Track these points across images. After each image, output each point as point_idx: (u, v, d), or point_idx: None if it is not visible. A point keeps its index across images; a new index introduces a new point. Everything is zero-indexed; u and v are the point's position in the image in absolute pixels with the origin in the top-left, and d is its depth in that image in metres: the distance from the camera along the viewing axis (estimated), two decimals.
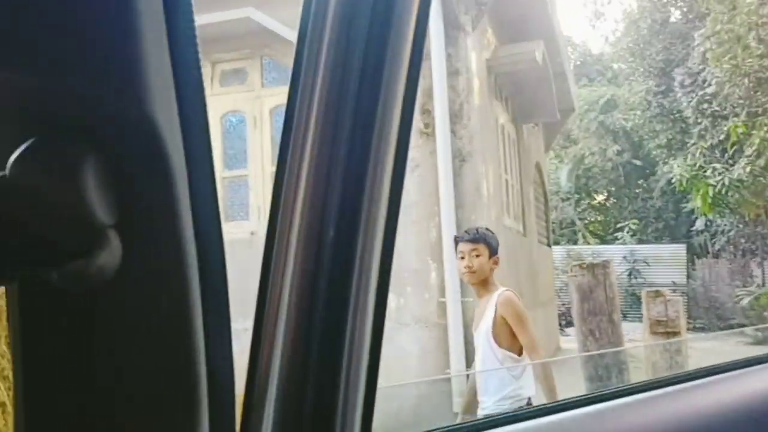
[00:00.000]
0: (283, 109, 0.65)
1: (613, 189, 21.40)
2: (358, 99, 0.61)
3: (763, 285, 14.99)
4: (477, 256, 3.63)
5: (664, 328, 5.73)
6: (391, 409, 5.49)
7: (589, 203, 21.79)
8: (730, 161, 13.83)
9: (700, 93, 14.48)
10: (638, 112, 18.28)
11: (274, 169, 0.66)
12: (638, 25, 18.45)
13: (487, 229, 3.89)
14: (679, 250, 17.74)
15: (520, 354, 3.60)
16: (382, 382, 0.68)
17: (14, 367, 0.55)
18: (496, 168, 7.89)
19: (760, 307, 13.57)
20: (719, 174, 13.60)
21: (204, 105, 0.55)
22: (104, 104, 0.51)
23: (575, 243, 19.89)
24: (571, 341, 10.53)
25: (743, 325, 13.96)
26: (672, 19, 18.29)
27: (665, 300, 5.73)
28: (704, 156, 14.39)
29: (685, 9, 17.91)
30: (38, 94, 0.52)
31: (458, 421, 4.40)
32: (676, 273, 17.16)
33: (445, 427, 0.80)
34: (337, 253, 0.63)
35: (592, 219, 22.07)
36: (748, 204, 14.01)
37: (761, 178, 13.13)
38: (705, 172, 13.92)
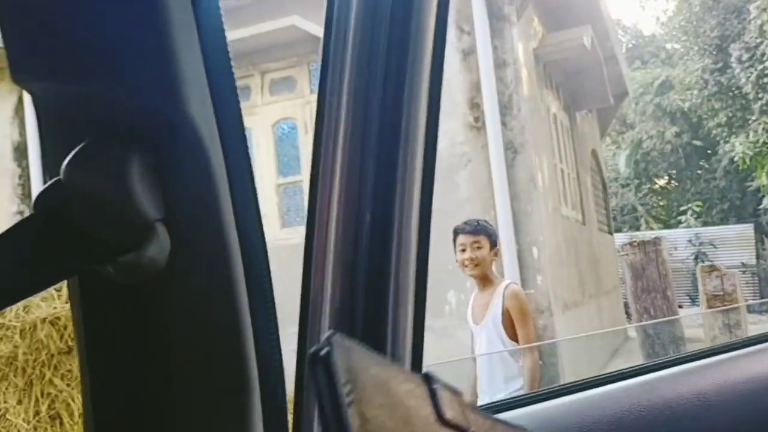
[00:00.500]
0: None
1: (673, 172, 20.90)
2: (383, 99, 0.63)
3: None
4: (478, 248, 3.61)
5: (721, 302, 5.59)
6: None
7: (650, 188, 21.32)
8: None
9: (759, 67, 14.02)
10: (695, 92, 17.81)
11: None
12: (690, 2, 17.97)
13: (485, 221, 3.88)
14: (747, 230, 17.21)
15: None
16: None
17: (79, 355, 0.59)
18: (550, 157, 7.81)
19: None
20: None
21: (237, 101, 0.58)
22: (143, 106, 0.55)
23: (638, 229, 19.47)
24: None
25: None
26: None
27: (721, 274, 5.59)
28: (767, 132, 13.93)
29: None
30: (84, 101, 0.56)
31: None
32: (745, 254, 16.65)
33: (500, 402, 0.81)
34: (374, 250, 0.65)
35: (654, 204, 21.59)
36: None
37: None
38: None
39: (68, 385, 3.97)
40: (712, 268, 5.75)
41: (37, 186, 7.40)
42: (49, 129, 0.59)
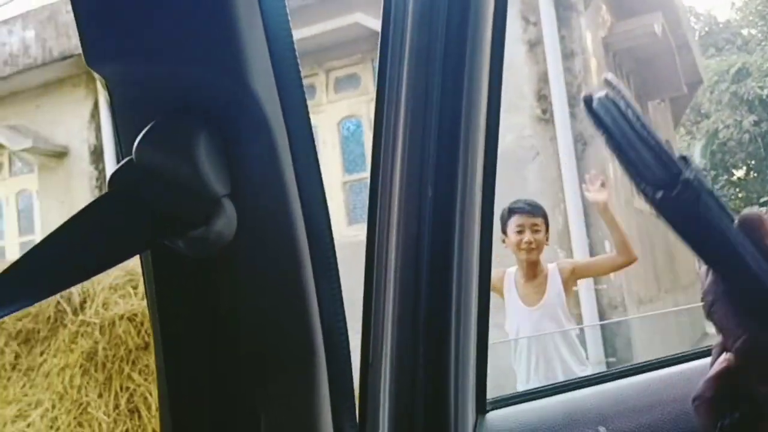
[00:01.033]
0: None
1: (752, 162, 20.12)
2: (442, 96, 0.63)
3: None
4: (537, 230, 3.35)
5: None
6: None
7: (727, 179, 20.59)
8: None
9: None
10: None
11: None
12: None
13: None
14: None
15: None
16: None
17: (153, 326, 0.61)
18: None
19: None
20: None
21: (299, 79, 0.59)
22: (209, 85, 0.56)
23: None
24: None
25: None
26: None
27: None
28: None
29: None
30: (153, 82, 0.57)
31: None
32: None
33: (562, 384, 0.80)
34: (435, 248, 0.65)
35: (732, 196, 20.85)
36: None
37: None
38: None
39: (146, 379, 4.10)
40: None
41: None
42: (122, 110, 0.61)
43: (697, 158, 19.47)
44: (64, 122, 8.06)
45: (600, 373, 0.78)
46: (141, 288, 4.10)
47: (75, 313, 4.37)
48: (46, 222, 8.06)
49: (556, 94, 6.36)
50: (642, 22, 7.84)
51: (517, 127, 6.52)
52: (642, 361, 0.77)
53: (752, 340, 0.40)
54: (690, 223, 0.41)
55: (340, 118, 7.32)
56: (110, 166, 7.77)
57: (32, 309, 4.86)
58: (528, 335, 3.51)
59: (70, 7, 0.58)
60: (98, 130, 7.91)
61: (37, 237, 8.04)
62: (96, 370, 4.08)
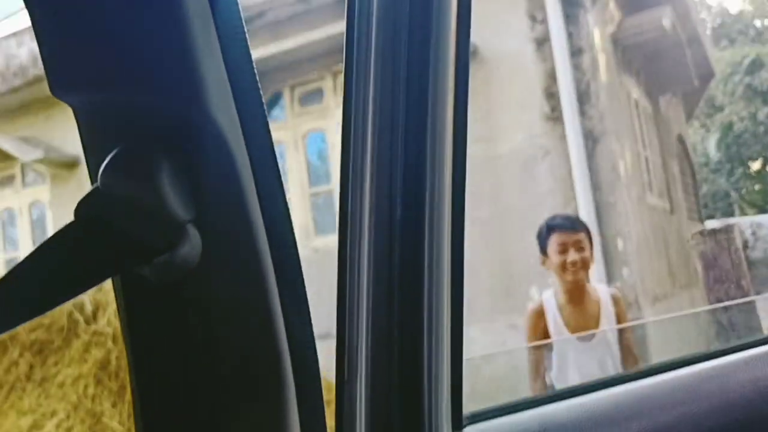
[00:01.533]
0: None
1: None
2: (407, 98, 0.63)
3: None
4: (581, 248, 2.99)
5: None
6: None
7: (743, 172, 20.40)
8: None
9: None
10: None
11: None
12: None
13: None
14: None
15: None
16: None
17: (126, 351, 0.61)
18: (633, 145, 7.58)
19: None
20: None
21: (260, 102, 0.59)
22: (170, 112, 0.57)
23: (731, 215, 18.68)
24: None
25: None
26: None
27: None
28: None
29: None
30: (117, 111, 0.58)
31: None
32: None
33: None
34: (405, 265, 0.65)
35: (749, 188, 20.66)
36: None
37: None
38: None
39: None
40: None
41: None
42: (88, 138, 0.61)
43: (713, 152, 19.31)
44: (75, 132, 8.11)
45: (576, 386, 0.78)
46: None
47: (87, 322, 4.41)
48: None
49: (565, 91, 6.33)
50: (650, 16, 7.79)
51: (526, 126, 6.51)
52: (618, 373, 0.77)
53: None
54: None
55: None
56: None
57: (45, 320, 4.91)
58: (578, 370, 3.00)
59: None
60: None
61: None
62: (110, 380, 4.12)
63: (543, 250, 3.09)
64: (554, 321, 3.06)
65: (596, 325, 3.00)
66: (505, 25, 6.74)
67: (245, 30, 0.58)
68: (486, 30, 6.74)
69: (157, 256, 0.56)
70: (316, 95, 7.42)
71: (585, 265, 3.00)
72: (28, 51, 7.98)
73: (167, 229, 0.56)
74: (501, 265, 6.59)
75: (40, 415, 4.25)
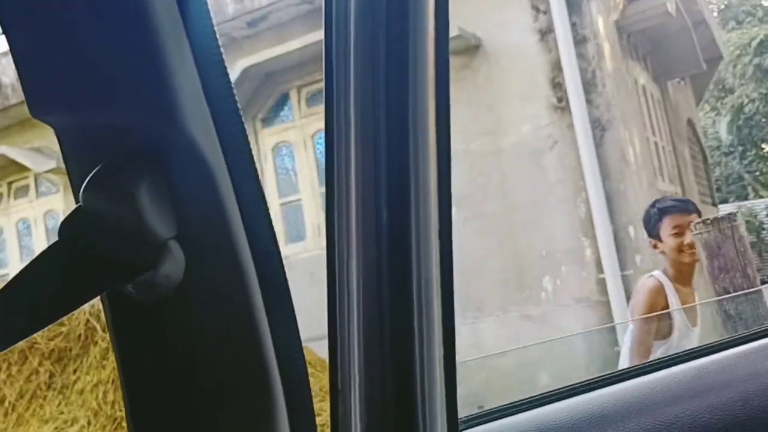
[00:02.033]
0: None
1: None
2: (387, 97, 0.63)
3: None
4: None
5: None
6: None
7: (756, 153, 20.23)
8: None
9: None
10: None
11: None
12: None
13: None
14: None
15: None
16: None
17: (117, 365, 0.62)
18: (642, 131, 7.53)
19: None
20: None
21: (238, 116, 0.59)
22: (147, 129, 0.57)
23: (745, 198, 18.53)
24: None
25: None
26: None
27: None
28: None
29: None
30: (95, 130, 0.58)
31: None
32: None
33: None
34: (395, 248, 0.65)
35: (762, 170, 20.48)
36: None
37: None
38: None
39: None
40: None
41: None
42: (71, 157, 0.62)
43: (724, 135, 19.14)
44: None
45: (571, 385, 0.77)
46: None
47: (105, 330, 4.44)
48: None
49: (571, 81, 6.30)
50: (654, 2, 7.73)
51: (533, 117, 6.48)
52: (614, 371, 0.77)
53: None
54: None
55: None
56: None
57: (63, 328, 4.95)
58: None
59: None
60: None
61: None
62: None
63: (653, 234, 3.06)
64: (675, 300, 3.06)
65: (697, 309, 3.01)
66: (508, 17, 6.71)
67: (219, 41, 0.58)
68: (489, 23, 6.72)
69: (139, 275, 0.56)
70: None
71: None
72: None
73: (149, 247, 0.56)
74: (513, 258, 6.57)
75: (62, 422, 4.29)
